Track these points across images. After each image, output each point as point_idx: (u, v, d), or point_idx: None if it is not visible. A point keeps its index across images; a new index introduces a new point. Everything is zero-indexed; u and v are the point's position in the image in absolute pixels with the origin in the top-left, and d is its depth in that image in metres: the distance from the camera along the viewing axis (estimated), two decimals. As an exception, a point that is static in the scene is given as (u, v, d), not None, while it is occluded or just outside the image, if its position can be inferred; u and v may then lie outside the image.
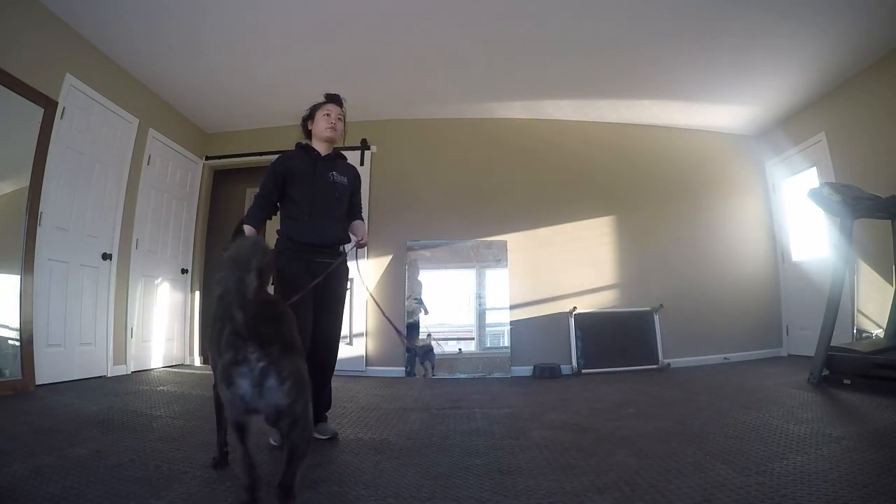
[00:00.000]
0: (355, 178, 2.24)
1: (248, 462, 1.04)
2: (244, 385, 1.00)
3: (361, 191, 2.31)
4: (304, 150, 2.15)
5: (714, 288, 4.41)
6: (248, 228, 1.95)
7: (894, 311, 2.97)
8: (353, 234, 2.17)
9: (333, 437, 1.91)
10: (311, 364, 1.73)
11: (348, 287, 2.14)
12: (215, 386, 1.53)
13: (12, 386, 2.61)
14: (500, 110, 4.48)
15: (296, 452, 1.05)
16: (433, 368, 3.98)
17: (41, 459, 1.50)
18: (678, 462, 1.51)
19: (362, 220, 2.26)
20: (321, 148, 2.16)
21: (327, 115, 2.13)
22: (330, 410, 2.06)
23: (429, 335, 4.08)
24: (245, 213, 2.07)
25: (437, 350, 4.05)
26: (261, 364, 1.01)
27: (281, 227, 2.06)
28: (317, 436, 1.86)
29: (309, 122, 2.20)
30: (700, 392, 2.87)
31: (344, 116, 2.19)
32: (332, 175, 2.11)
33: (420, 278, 4.23)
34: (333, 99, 2.18)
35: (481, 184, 4.45)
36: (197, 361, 4.50)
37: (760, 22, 3.11)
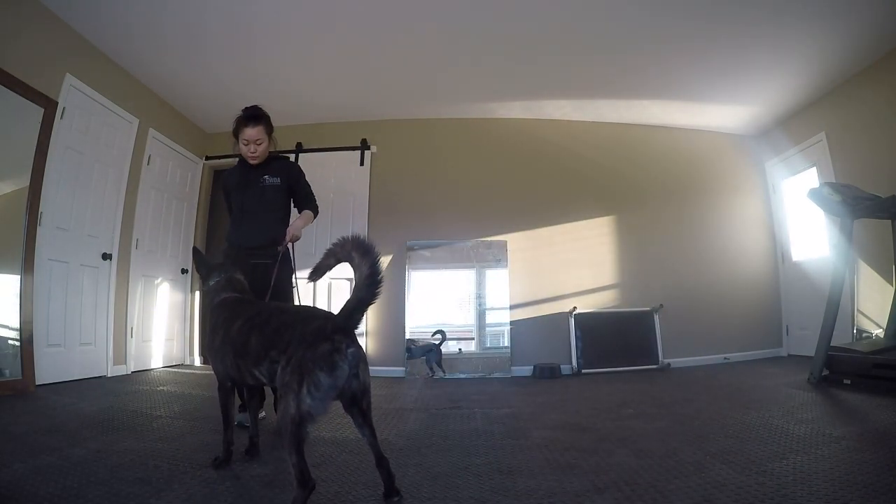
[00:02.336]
0: (290, 172, 2.31)
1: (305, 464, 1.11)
2: (345, 369, 1.16)
3: (305, 184, 2.37)
4: (240, 162, 2.28)
5: (714, 288, 4.41)
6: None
7: (894, 311, 2.97)
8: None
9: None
10: None
11: (295, 285, 2.24)
12: (220, 387, 1.54)
13: (12, 386, 2.61)
14: (500, 110, 4.48)
15: (374, 430, 1.27)
16: (439, 367, 3.96)
17: (41, 459, 1.50)
18: (678, 462, 1.51)
19: (312, 209, 2.31)
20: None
21: (245, 143, 2.17)
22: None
23: (434, 333, 4.05)
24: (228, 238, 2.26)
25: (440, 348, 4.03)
26: (350, 350, 1.18)
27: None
28: None
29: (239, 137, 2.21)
30: (700, 392, 2.86)
31: (266, 131, 2.18)
32: (264, 179, 2.22)
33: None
34: (249, 120, 2.14)
35: (481, 184, 4.45)
36: (197, 361, 4.50)
37: (760, 22, 3.11)
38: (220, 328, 1.51)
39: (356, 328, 1.24)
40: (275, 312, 1.40)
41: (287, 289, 2.19)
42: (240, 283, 1.70)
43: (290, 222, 2.24)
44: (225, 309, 1.57)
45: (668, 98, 4.19)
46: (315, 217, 2.36)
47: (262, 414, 2.11)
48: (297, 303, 2.31)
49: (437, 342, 4.02)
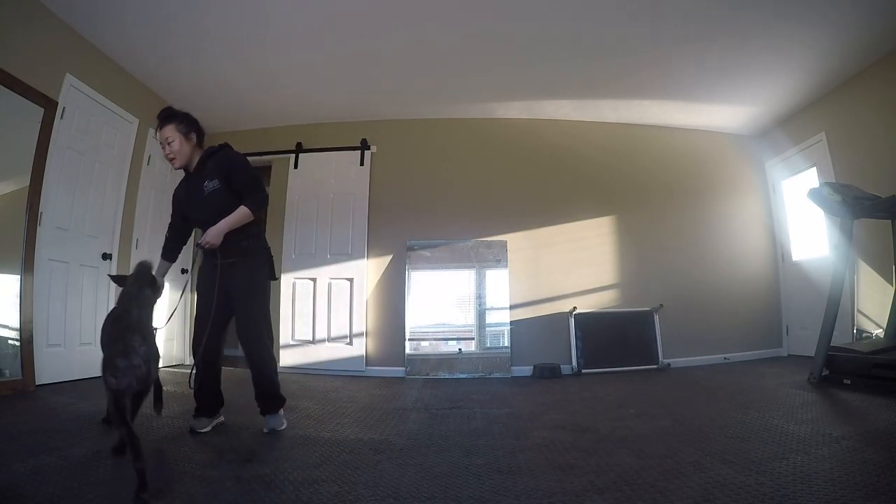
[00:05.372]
0: (222, 167, 2.07)
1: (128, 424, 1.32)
2: (136, 358, 1.44)
3: (240, 173, 2.11)
4: (184, 173, 2.19)
5: (714, 288, 4.41)
6: (162, 262, 2.31)
7: (894, 311, 2.97)
8: None
9: (271, 432, 1.97)
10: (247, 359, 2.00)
11: (263, 283, 2.11)
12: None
13: (12, 386, 2.61)
14: (499, 110, 4.48)
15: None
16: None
17: (41, 459, 1.51)
18: (678, 462, 1.52)
19: (249, 203, 2.02)
20: (189, 165, 2.14)
21: (161, 145, 2.09)
22: (285, 404, 2.08)
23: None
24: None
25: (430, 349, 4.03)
26: (143, 348, 1.47)
27: None
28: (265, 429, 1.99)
29: None
30: (700, 392, 2.87)
31: (180, 130, 2.07)
32: (206, 187, 2.05)
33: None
34: (159, 121, 2.07)
35: (481, 184, 4.45)
36: (197, 361, 4.49)
37: (760, 22, 3.11)
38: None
39: (146, 324, 1.61)
40: (105, 325, 1.70)
41: (251, 288, 2.06)
42: (124, 296, 1.77)
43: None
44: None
45: (669, 98, 4.18)
46: (257, 210, 2.07)
47: (221, 419, 2.09)
48: (268, 302, 2.15)
49: None
